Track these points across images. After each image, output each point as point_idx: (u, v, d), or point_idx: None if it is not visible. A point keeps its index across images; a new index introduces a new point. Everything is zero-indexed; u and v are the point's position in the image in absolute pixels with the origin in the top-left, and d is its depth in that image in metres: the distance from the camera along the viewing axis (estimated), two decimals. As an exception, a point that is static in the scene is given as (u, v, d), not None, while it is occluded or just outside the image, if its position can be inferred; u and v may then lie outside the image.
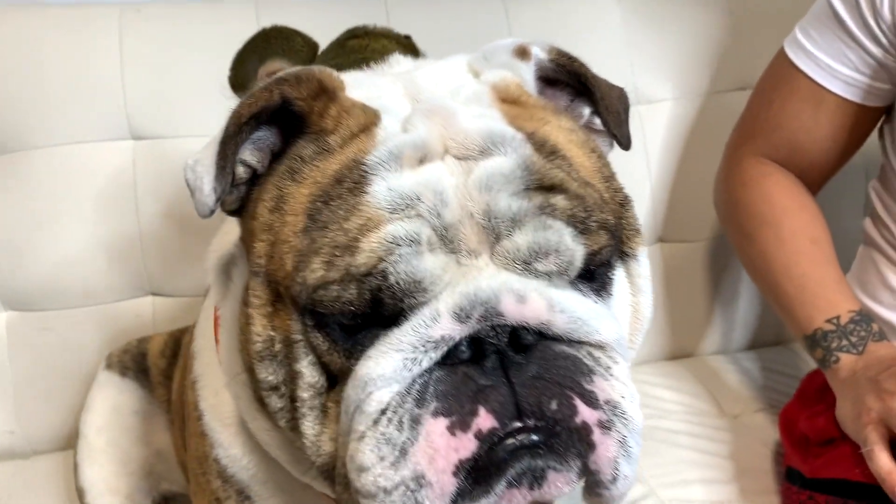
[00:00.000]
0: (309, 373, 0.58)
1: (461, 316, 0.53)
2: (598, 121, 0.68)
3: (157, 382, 1.12)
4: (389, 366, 0.53)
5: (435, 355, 0.53)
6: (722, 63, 1.44)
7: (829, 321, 1.02)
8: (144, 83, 1.31)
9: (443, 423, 0.52)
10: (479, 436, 0.51)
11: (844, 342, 1.01)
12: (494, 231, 0.55)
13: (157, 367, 1.13)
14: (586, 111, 0.69)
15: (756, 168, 1.14)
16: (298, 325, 0.58)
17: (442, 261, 0.54)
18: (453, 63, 0.68)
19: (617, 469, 0.54)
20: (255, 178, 0.64)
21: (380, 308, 0.55)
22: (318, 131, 0.61)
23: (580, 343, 0.55)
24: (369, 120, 0.60)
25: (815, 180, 1.16)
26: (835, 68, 1.06)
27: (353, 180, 0.57)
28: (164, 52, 1.32)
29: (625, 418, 0.54)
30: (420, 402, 0.53)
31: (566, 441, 0.52)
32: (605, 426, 0.53)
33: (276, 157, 0.64)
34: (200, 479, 0.77)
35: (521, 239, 0.55)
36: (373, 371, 0.54)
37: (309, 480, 0.68)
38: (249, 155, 0.63)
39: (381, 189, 0.56)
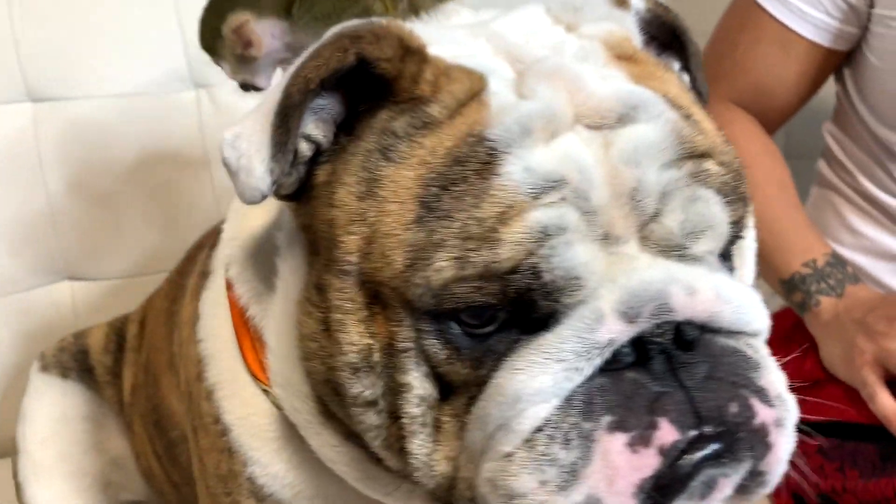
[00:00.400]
0: (420, 385, 0.50)
1: (629, 315, 0.46)
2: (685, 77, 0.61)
3: (104, 382, 0.99)
4: (549, 379, 0.46)
5: (598, 361, 0.46)
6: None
7: (805, 265, 1.04)
8: (40, 36, 1.14)
9: (621, 438, 0.45)
10: (662, 450, 0.45)
11: (823, 285, 1.03)
12: (643, 211, 0.48)
13: (102, 365, 1.00)
14: (675, 67, 0.62)
15: (723, 115, 1.12)
16: (409, 331, 0.50)
17: (594, 250, 0.47)
18: (531, 14, 0.59)
19: (781, 467, 0.50)
20: (317, 155, 0.54)
21: (524, 309, 0.47)
22: (410, 99, 0.51)
23: (738, 333, 0.50)
24: (475, 85, 0.51)
25: (774, 123, 1.16)
26: (806, 11, 1.05)
27: (479, 160, 0.48)
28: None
29: (790, 413, 0.50)
30: (587, 415, 0.46)
31: (745, 445, 0.48)
32: (780, 424, 0.49)
33: (340, 128, 0.53)
34: (223, 500, 0.68)
35: (673, 218, 0.48)
36: (527, 385, 0.46)
37: (383, 498, 0.61)
38: (313, 127, 0.53)
39: (517, 169, 0.47)
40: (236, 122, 0.53)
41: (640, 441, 0.45)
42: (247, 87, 0.75)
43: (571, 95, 0.50)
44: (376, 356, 0.51)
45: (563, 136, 0.49)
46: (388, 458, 0.54)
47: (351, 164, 0.52)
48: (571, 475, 0.46)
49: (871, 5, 1.02)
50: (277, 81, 0.55)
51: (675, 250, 0.49)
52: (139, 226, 1.20)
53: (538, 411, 0.46)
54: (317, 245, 0.54)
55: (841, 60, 1.10)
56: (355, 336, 0.51)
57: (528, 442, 0.46)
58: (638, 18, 0.60)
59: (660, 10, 0.61)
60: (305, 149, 0.53)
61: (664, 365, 0.47)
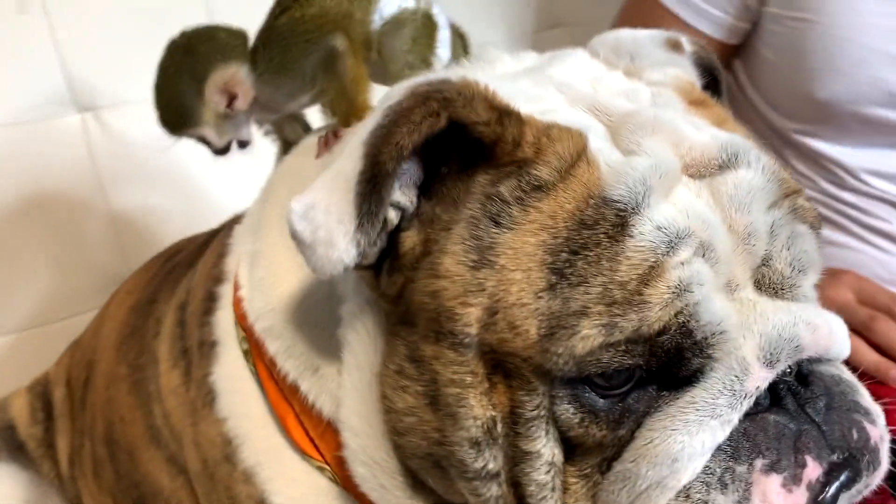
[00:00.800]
0: (548, 451, 0.49)
1: (770, 361, 0.47)
2: None
3: (39, 457, 0.89)
4: (708, 436, 0.47)
5: (744, 409, 0.47)
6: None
7: None
8: None
9: (776, 479, 0.47)
10: (810, 486, 0.48)
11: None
12: (755, 254, 0.49)
13: (33, 439, 0.90)
14: None
15: None
16: (539, 399, 0.48)
17: (726, 300, 0.48)
18: (581, 59, 0.58)
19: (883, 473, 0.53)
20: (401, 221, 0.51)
21: (668, 366, 0.47)
22: (513, 162, 0.49)
23: (834, 360, 0.52)
24: (577, 143, 0.49)
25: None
26: (703, 8, 1.11)
27: (609, 222, 0.47)
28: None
29: (884, 424, 0.53)
30: (739, 459, 0.47)
31: (866, 465, 0.51)
32: (883, 438, 0.52)
33: (421, 190, 0.51)
34: None
35: (782, 259, 0.50)
36: (687, 445, 0.46)
37: None
38: (399, 194, 0.50)
39: (649, 229, 0.46)
40: (304, 192, 0.49)
41: (793, 480, 0.48)
42: (226, 149, 0.68)
43: (675, 147, 0.50)
44: (500, 427, 0.49)
45: (678, 190, 0.49)
46: None
47: (453, 231, 0.50)
48: None
49: (763, 3, 1.09)
50: (343, 146, 0.52)
51: (787, 290, 0.50)
52: (34, 270, 1.08)
53: (696, 467, 0.47)
54: (410, 316, 0.52)
55: (732, 53, 1.17)
56: (477, 409, 0.49)
57: (684, 492, 0.47)
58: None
59: (702, 52, 0.63)
60: (393, 217, 0.50)
61: (794, 403, 0.49)
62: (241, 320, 0.63)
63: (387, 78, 0.67)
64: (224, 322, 0.65)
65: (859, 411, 0.51)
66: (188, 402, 0.68)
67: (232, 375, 0.64)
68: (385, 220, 0.49)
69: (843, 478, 0.49)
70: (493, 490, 0.51)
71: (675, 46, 0.61)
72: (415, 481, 0.55)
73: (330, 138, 0.64)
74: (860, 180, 1.07)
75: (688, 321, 0.46)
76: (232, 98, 0.64)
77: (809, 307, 0.51)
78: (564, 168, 0.49)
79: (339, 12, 0.63)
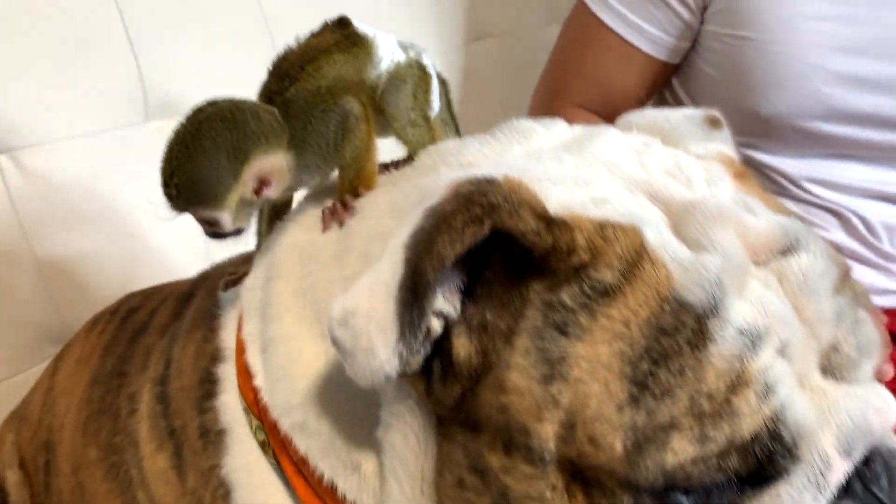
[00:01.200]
0: None
1: (848, 451, 0.47)
2: None
3: None
4: None
5: (826, 502, 0.47)
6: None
7: None
8: None
9: None
10: None
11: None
12: (822, 340, 0.49)
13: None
14: None
15: (580, 116, 1.18)
16: None
17: (803, 394, 0.47)
18: (617, 135, 0.57)
19: None
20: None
21: (760, 468, 0.46)
22: (569, 268, 0.47)
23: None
24: (634, 240, 0.47)
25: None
26: (644, 28, 1.12)
27: (689, 327, 0.45)
28: None
29: None
30: None
31: None
32: None
33: (466, 293, 0.49)
34: None
35: (849, 345, 0.49)
36: None
37: None
38: (443, 301, 0.47)
39: (731, 333, 0.45)
40: (345, 296, 0.46)
41: None
42: (230, 235, 0.60)
43: (742, 238, 0.49)
44: None
45: (750, 283, 0.48)
46: None
47: (516, 343, 0.47)
48: None
49: (702, 22, 1.11)
50: (384, 250, 0.47)
51: (852, 374, 0.50)
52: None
53: None
54: (472, 424, 0.49)
55: (672, 72, 1.20)
56: None
57: None
58: None
59: (722, 125, 0.63)
60: (437, 326, 0.48)
61: (860, 486, 0.49)
62: (260, 413, 0.59)
63: (387, 133, 0.64)
64: (231, 409, 0.61)
65: None
66: (187, 492, 0.63)
67: (249, 469, 0.59)
68: (428, 330, 0.47)
69: None
70: None
71: (714, 123, 0.60)
72: None
73: (339, 210, 0.60)
74: (802, 189, 1.12)
75: (777, 426, 0.45)
76: (262, 185, 0.59)
77: (872, 389, 0.51)
78: (626, 268, 0.47)
79: (352, 80, 0.60)
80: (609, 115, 1.19)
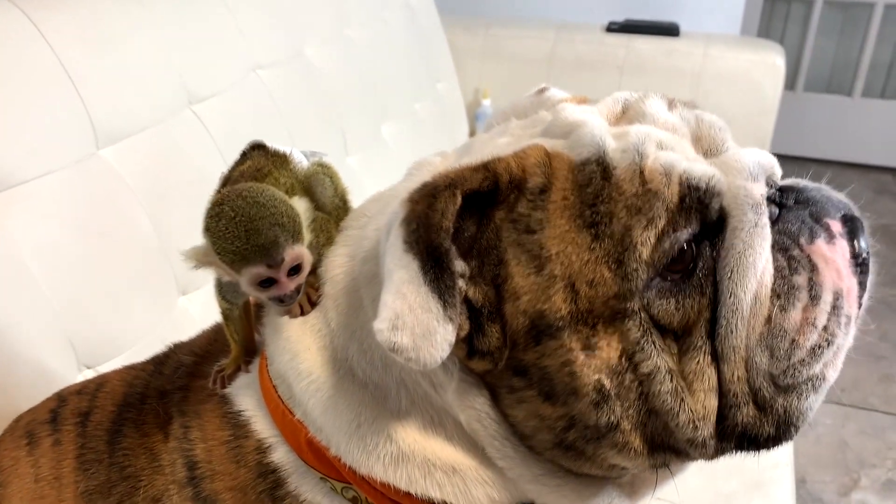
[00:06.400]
0: (663, 361, 0.58)
1: (756, 177, 0.60)
2: None
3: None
4: (760, 239, 0.59)
5: (765, 211, 0.59)
6: None
7: None
8: None
9: (821, 243, 0.60)
10: (842, 235, 0.61)
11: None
12: (685, 135, 0.64)
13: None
14: None
15: None
16: (637, 318, 0.58)
17: (699, 163, 0.61)
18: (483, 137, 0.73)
19: None
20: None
21: (704, 219, 0.58)
22: (513, 189, 0.60)
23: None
24: (539, 151, 0.61)
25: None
26: None
27: (596, 173, 0.59)
28: None
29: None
30: (789, 249, 0.61)
31: (860, 226, 0.65)
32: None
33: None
34: None
35: (705, 127, 0.64)
36: (751, 252, 0.58)
37: None
38: (457, 263, 0.59)
39: (619, 155, 0.59)
40: (380, 316, 0.54)
41: (830, 238, 0.61)
42: (280, 297, 0.66)
43: (600, 115, 0.67)
44: (606, 381, 0.58)
45: (613, 130, 0.63)
46: (641, 462, 0.62)
47: (507, 259, 0.60)
48: (815, 286, 0.59)
49: None
50: (383, 246, 0.59)
51: (723, 147, 0.64)
52: None
53: (767, 262, 0.60)
54: (513, 343, 0.60)
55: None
56: (590, 374, 0.58)
57: (774, 294, 0.59)
58: None
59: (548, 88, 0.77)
60: (462, 284, 0.59)
61: (791, 200, 0.63)
62: (347, 476, 0.64)
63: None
64: (308, 484, 0.66)
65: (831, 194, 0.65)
66: None
67: None
68: (460, 290, 0.57)
69: (858, 227, 0.62)
70: (618, 437, 0.60)
71: (541, 91, 0.74)
72: (561, 468, 0.65)
73: (311, 293, 0.69)
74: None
75: (689, 181, 0.58)
76: (296, 268, 0.65)
77: (744, 148, 0.63)
78: (545, 170, 0.60)
79: (294, 188, 0.71)
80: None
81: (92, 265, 1.03)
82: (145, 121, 1.16)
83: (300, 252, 0.64)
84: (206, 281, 1.17)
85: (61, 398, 0.82)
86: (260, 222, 0.62)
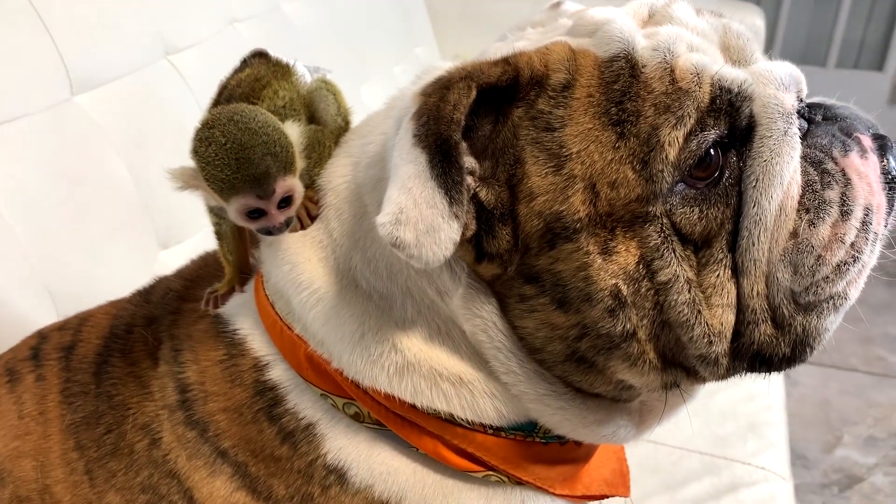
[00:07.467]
0: (682, 271, 0.56)
1: (787, 87, 0.58)
2: None
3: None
4: (789, 148, 0.56)
5: (795, 122, 0.57)
6: None
7: None
8: None
9: (854, 157, 0.58)
10: (873, 150, 0.60)
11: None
12: (714, 41, 0.61)
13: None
14: None
15: None
16: (659, 223, 0.55)
17: (730, 68, 0.58)
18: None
19: None
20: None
21: (734, 123, 0.56)
22: (534, 84, 0.57)
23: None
24: (564, 48, 0.58)
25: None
26: None
27: (624, 70, 0.56)
28: None
29: None
30: (822, 163, 0.58)
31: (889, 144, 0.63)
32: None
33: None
34: None
35: (732, 37, 0.61)
36: (779, 161, 0.56)
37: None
38: (467, 158, 0.56)
39: (649, 54, 0.56)
40: (384, 210, 0.52)
41: (861, 152, 0.59)
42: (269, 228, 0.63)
43: (628, 17, 0.62)
44: (623, 287, 0.56)
45: (645, 30, 0.59)
46: (653, 380, 0.59)
47: (524, 158, 0.57)
48: (847, 201, 0.57)
49: None
50: (391, 143, 0.56)
51: (752, 57, 0.61)
52: None
53: (796, 173, 0.57)
54: (525, 248, 0.57)
55: None
56: (606, 279, 0.55)
57: (802, 207, 0.57)
58: None
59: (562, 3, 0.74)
60: (470, 181, 0.56)
61: (820, 115, 0.61)
62: (349, 390, 0.62)
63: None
64: (307, 401, 0.63)
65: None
66: (282, 501, 0.63)
67: (355, 443, 0.63)
68: (468, 187, 0.54)
69: (888, 145, 0.60)
70: (633, 347, 0.57)
71: (555, 6, 0.69)
72: (570, 387, 0.63)
73: (310, 206, 0.66)
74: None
75: (721, 82, 0.56)
76: (286, 201, 0.62)
77: (773, 60, 0.61)
78: (570, 66, 0.57)
79: (296, 100, 0.68)
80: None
81: (68, 213, 1.00)
82: (121, 69, 1.14)
83: (292, 184, 0.61)
84: (187, 235, 1.14)
85: (42, 335, 0.78)
86: (251, 151, 0.59)
